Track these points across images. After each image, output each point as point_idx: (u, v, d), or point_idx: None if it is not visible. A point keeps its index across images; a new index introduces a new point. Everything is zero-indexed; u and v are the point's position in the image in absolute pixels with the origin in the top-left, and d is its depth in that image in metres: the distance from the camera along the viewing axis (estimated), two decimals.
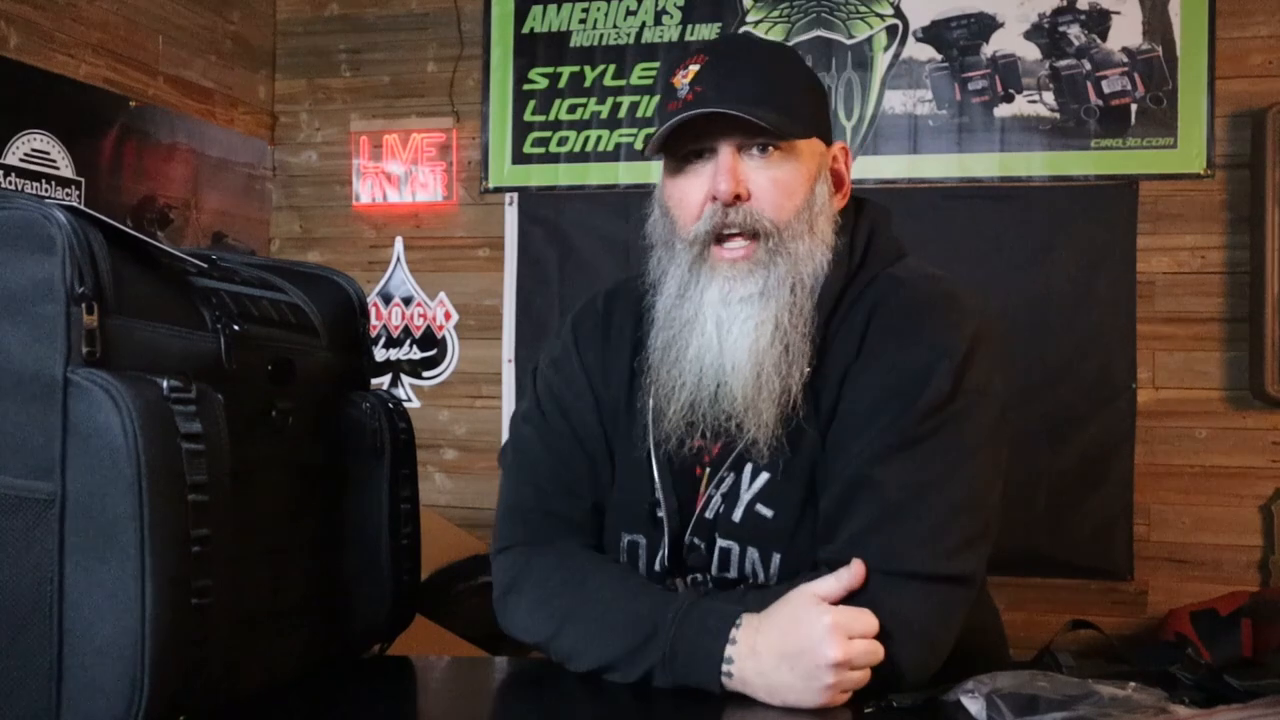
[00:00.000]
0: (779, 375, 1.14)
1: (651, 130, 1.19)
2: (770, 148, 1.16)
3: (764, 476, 1.17)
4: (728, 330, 1.16)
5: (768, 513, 1.16)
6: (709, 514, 1.19)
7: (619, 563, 1.23)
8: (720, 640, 1.05)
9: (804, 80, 1.23)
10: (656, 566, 1.21)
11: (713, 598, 1.13)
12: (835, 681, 1.01)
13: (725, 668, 1.05)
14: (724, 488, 1.18)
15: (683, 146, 1.19)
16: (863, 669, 1.02)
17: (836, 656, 1.00)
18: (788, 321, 1.15)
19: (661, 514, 1.21)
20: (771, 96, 1.15)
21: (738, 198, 1.15)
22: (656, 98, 3.35)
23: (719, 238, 1.17)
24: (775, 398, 1.14)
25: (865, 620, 1.03)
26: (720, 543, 1.18)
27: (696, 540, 1.19)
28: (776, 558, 1.16)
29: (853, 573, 1.05)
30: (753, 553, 1.17)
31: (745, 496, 1.17)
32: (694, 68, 1.17)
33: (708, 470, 1.20)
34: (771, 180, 1.16)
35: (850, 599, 1.06)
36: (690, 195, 1.19)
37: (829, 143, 1.24)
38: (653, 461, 1.21)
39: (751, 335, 1.15)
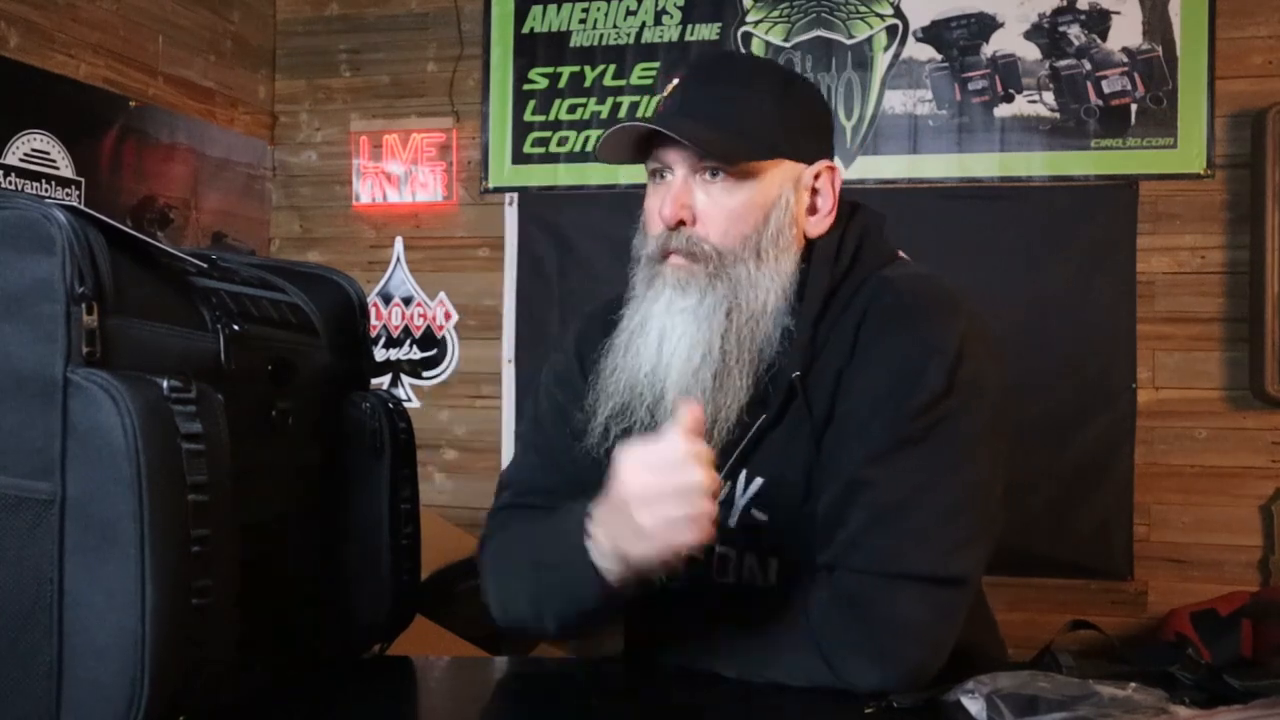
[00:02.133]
0: (707, 401, 1.13)
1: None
2: (722, 172, 1.16)
3: (759, 481, 1.17)
4: (666, 339, 1.17)
5: (763, 517, 1.16)
6: None
7: (562, 508, 1.21)
8: (581, 530, 1.05)
9: (781, 101, 1.20)
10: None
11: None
12: (649, 523, 0.98)
13: (588, 544, 1.04)
14: (720, 496, 1.18)
15: (649, 161, 1.21)
16: (667, 501, 0.98)
17: (628, 491, 0.99)
18: (719, 348, 1.15)
19: None
20: (732, 119, 1.15)
21: (681, 222, 1.17)
22: (656, 98, 3.35)
23: (666, 255, 1.19)
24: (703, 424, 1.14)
25: (662, 453, 0.99)
26: (717, 549, 1.18)
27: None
28: (774, 562, 1.16)
29: (689, 417, 1.01)
30: (750, 558, 1.17)
31: (740, 502, 1.17)
32: (674, 83, 1.20)
33: None
34: (719, 205, 1.17)
35: (850, 603, 1.06)
36: (651, 213, 1.21)
37: (808, 160, 1.21)
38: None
39: (685, 354, 1.16)
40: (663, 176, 1.20)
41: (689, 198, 1.17)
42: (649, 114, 3.46)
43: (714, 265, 1.16)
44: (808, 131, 1.22)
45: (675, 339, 1.17)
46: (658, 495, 0.99)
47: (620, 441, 1.18)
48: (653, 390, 1.17)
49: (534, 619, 1.15)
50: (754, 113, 1.18)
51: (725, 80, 1.20)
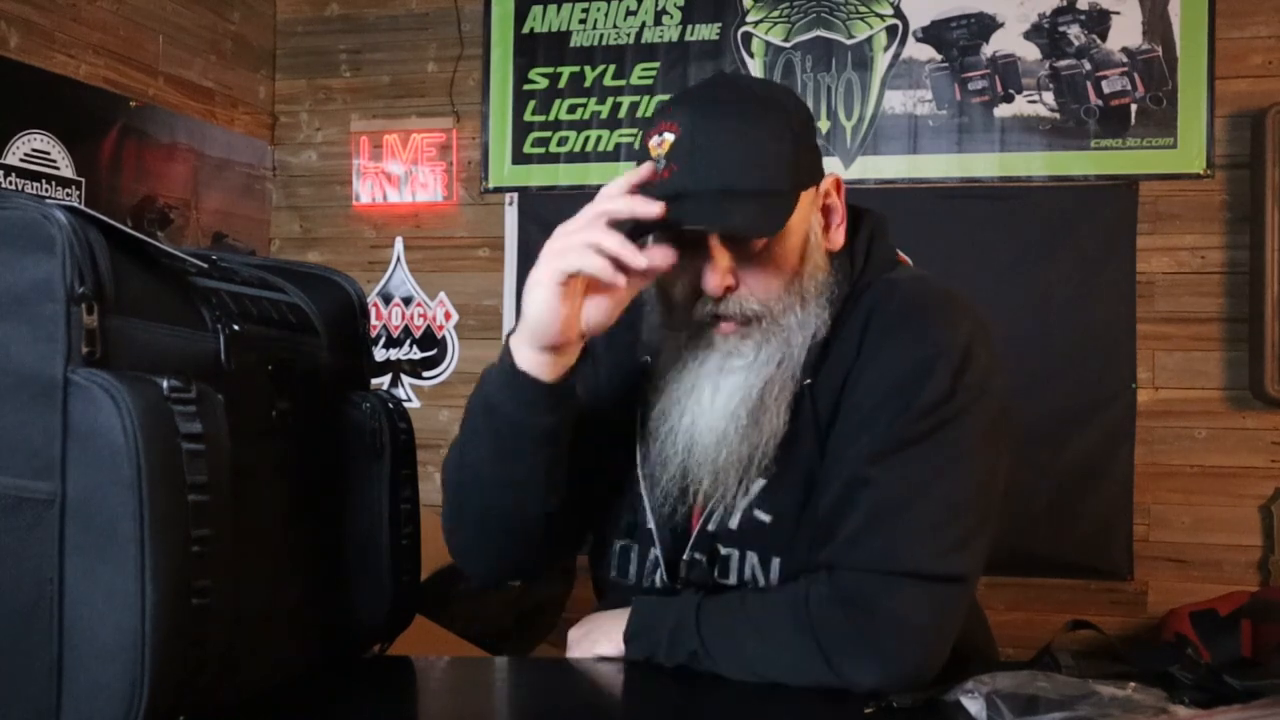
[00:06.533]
0: (741, 439, 1.14)
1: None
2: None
3: (760, 482, 1.17)
4: (718, 394, 1.17)
5: (765, 518, 1.16)
6: (711, 526, 1.19)
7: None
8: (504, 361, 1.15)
9: (788, 132, 1.15)
10: (658, 583, 1.21)
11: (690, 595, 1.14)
12: (547, 249, 1.09)
13: (513, 356, 1.14)
14: (726, 498, 1.18)
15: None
16: (571, 230, 1.09)
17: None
18: (759, 392, 1.15)
19: (650, 525, 1.21)
20: (753, 175, 1.11)
21: (728, 289, 1.14)
22: (656, 98, 3.35)
23: (714, 321, 1.17)
24: (738, 464, 1.15)
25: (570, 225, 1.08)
26: (721, 550, 1.18)
27: (698, 555, 1.19)
28: (776, 562, 1.16)
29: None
30: (752, 557, 1.17)
31: (742, 503, 1.17)
32: (669, 137, 1.11)
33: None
34: (761, 264, 1.15)
35: (850, 601, 1.06)
36: (682, 277, 1.17)
37: (819, 180, 1.20)
38: (640, 480, 1.22)
39: (725, 403, 1.16)
40: (686, 240, 1.14)
41: (728, 263, 1.13)
42: (649, 113, 3.48)
43: (767, 322, 1.16)
44: (812, 153, 1.20)
45: (724, 395, 1.16)
46: (565, 230, 1.08)
47: (681, 505, 1.20)
48: (703, 443, 1.17)
49: (494, 508, 1.20)
50: (774, 156, 1.13)
51: (735, 129, 1.13)
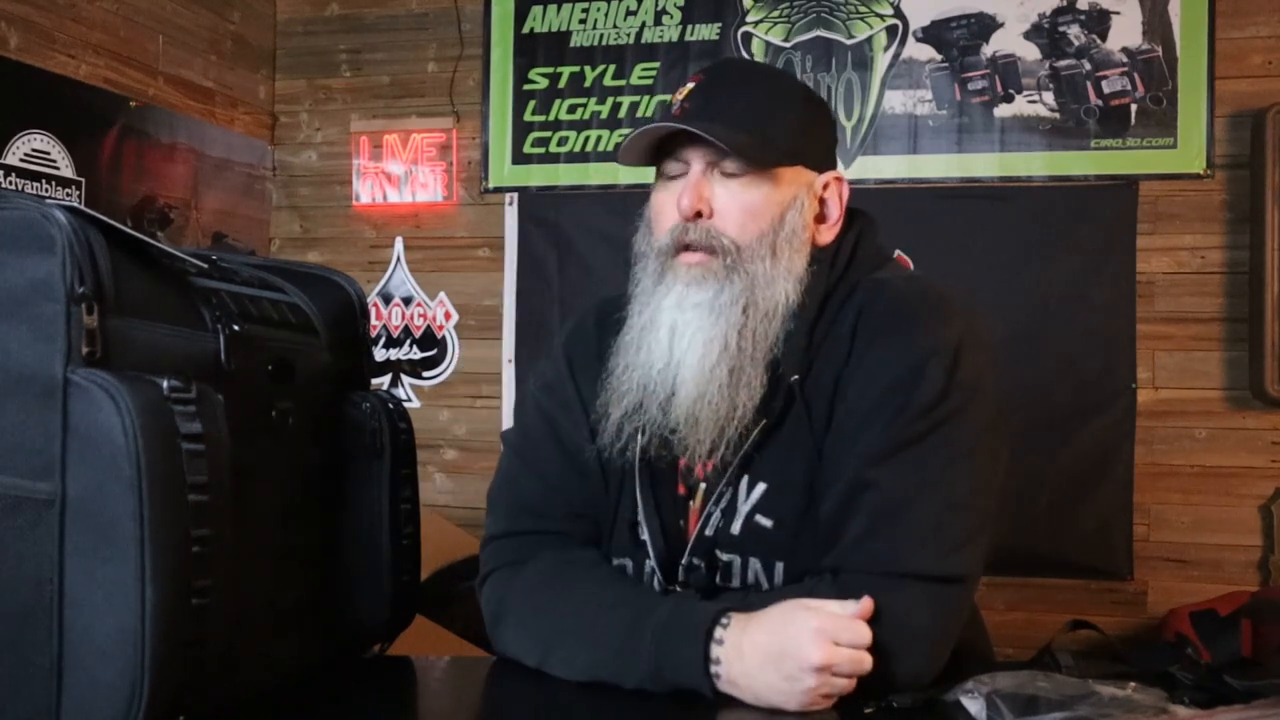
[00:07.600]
0: (723, 398, 1.14)
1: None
2: (740, 169, 1.17)
3: (761, 487, 1.17)
4: (680, 337, 1.17)
5: (767, 523, 1.16)
6: (709, 531, 1.18)
7: (603, 566, 1.22)
8: (703, 642, 1.04)
9: (799, 108, 1.23)
10: (654, 588, 1.21)
11: (694, 600, 1.13)
12: (816, 685, 1.00)
13: (714, 668, 1.04)
14: (722, 503, 1.18)
15: (663, 161, 1.22)
16: (848, 676, 1.01)
17: (819, 660, 0.99)
18: (736, 344, 1.15)
19: (644, 536, 1.21)
20: (751, 121, 1.16)
21: (699, 214, 1.17)
22: (656, 98, 3.36)
23: (681, 250, 1.19)
24: (718, 420, 1.15)
25: (855, 629, 1.02)
26: (721, 557, 1.18)
27: (695, 560, 1.18)
28: (779, 566, 1.16)
29: (861, 606, 1.03)
30: (754, 563, 1.17)
31: (743, 509, 1.17)
32: (690, 85, 1.20)
33: (703, 487, 1.20)
34: (736, 201, 1.17)
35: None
36: (664, 208, 1.21)
37: (821, 168, 1.24)
38: (636, 484, 1.22)
39: (699, 351, 1.16)
40: (675, 174, 1.21)
41: (707, 191, 1.17)
42: (650, 113, 3.48)
43: (731, 259, 1.17)
44: (821, 141, 1.26)
45: (689, 335, 1.17)
46: (837, 667, 1.00)
47: (632, 442, 1.19)
48: (665, 388, 1.17)
49: (583, 675, 1.11)
50: (777, 118, 1.19)
51: (747, 85, 1.21)
